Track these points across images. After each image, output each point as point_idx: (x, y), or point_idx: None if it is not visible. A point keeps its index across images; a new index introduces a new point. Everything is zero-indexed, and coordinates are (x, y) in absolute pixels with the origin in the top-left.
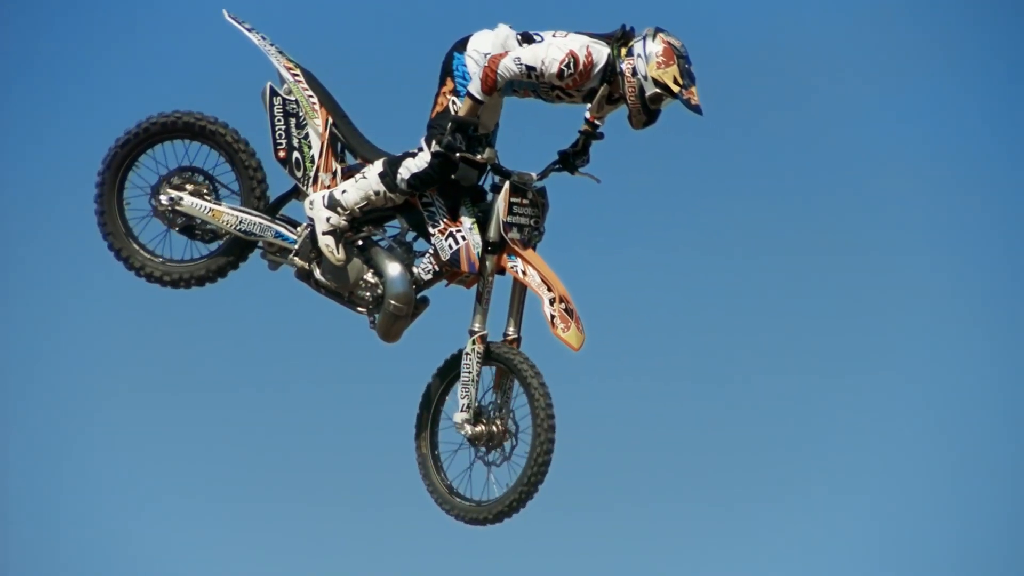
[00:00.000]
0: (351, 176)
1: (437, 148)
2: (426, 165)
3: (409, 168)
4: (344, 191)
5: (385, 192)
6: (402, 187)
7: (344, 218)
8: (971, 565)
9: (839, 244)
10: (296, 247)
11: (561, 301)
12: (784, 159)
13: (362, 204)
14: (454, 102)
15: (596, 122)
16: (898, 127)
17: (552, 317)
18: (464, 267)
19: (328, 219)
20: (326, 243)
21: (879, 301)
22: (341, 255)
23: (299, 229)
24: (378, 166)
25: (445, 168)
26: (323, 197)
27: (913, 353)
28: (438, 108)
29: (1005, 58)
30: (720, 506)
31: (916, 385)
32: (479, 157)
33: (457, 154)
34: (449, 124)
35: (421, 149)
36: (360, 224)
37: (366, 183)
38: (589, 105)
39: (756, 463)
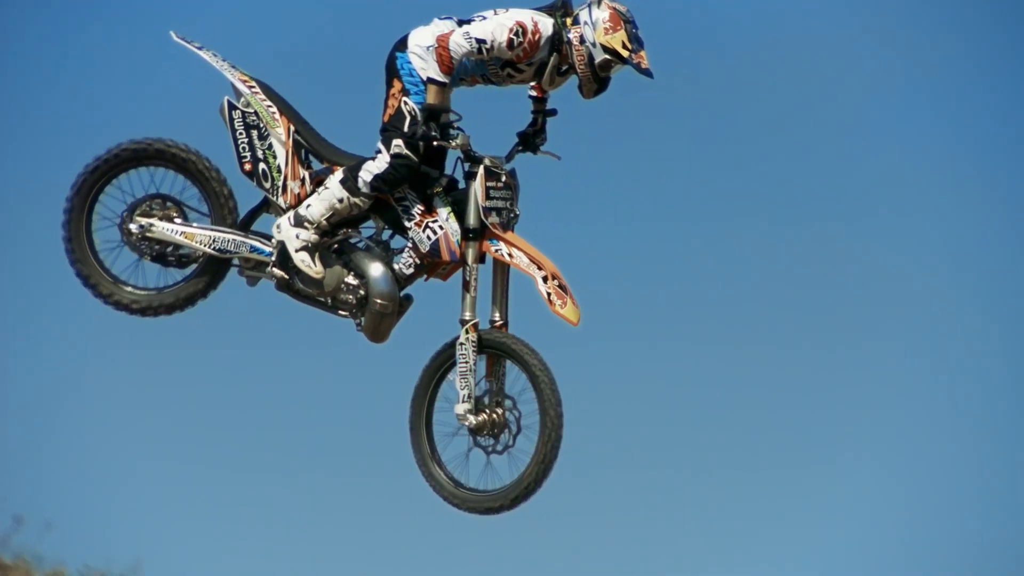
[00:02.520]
0: (320, 181)
1: (398, 150)
2: (387, 166)
3: (370, 170)
4: (308, 205)
5: (348, 198)
6: (365, 190)
7: (313, 231)
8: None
9: (819, 217)
10: (273, 259)
11: (553, 278)
12: (767, 137)
13: (328, 215)
14: (405, 102)
15: (543, 97)
16: (882, 104)
17: (548, 295)
18: (445, 256)
19: (298, 236)
20: (301, 259)
21: (867, 279)
22: (319, 268)
23: (273, 241)
24: (338, 174)
25: (407, 168)
26: (288, 218)
27: (897, 324)
28: (390, 111)
29: (1002, 56)
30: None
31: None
32: (453, 143)
33: (434, 143)
34: (421, 114)
35: (379, 152)
36: (333, 230)
37: (329, 193)
38: (533, 84)
39: (737, 433)
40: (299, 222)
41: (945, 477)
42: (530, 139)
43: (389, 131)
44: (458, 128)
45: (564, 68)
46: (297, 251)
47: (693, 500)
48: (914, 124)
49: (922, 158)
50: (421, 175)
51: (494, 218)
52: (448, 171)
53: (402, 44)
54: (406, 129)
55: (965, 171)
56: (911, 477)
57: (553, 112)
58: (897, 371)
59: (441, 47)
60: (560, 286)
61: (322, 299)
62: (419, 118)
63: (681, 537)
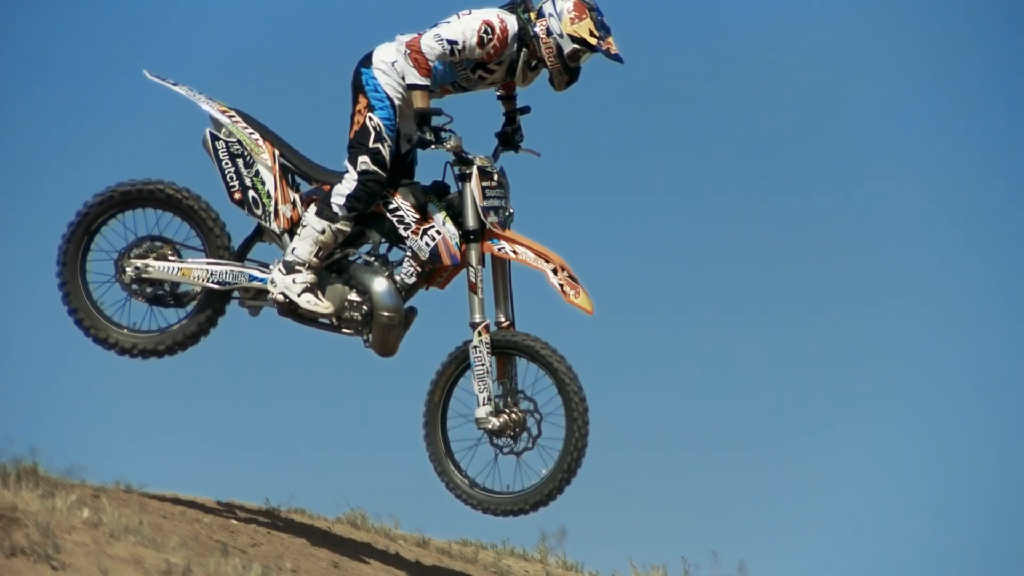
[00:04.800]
0: (311, 202)
1: (364, 166)
2: (356, 184)
3: (342, 193)
4: (293, 249)
5: (329, 227)
6: (342, 214)
7: (307, 272)
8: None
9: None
10: (278, 310)
11: (563, 269)
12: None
13: (315, 251)
14: (370, 118)
15: (512, 96)
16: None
17: (561, 286)
18: (446, 260)
19: (295, 281)
20: (307, 301)
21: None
22: (327, 303)
23: (272, 267)
24: (312, 207)
25: (376, 183)
26: (279, 269)
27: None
28: (355, 127)
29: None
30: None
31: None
32: (447, 146)
33: (431, 146)
34: (415, 118)
35: (347, 171)
36: (327, 259)
37: (309, 230)
38: (499, 89)
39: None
40: (290, 268)
41: (955, 446)
42: (510, 138)
43: (355, 147)
44: (450, 130)
45: (534, 63)
46: (300, 295)
47: (699, 478)
48: (905, 99)
49: (911, 126)
50: (410, 184)
51: (493, 217)
52: (426, 177)
53: (367, 60)
54: (371, 144)
55: (961, 135)
56: (918, 450)
57: (526, 109)
58: (902, 345)
59: (415, 52)
60: (570, 277)
61: (326, 320)
62: (383, 133)
63: (698, 514)
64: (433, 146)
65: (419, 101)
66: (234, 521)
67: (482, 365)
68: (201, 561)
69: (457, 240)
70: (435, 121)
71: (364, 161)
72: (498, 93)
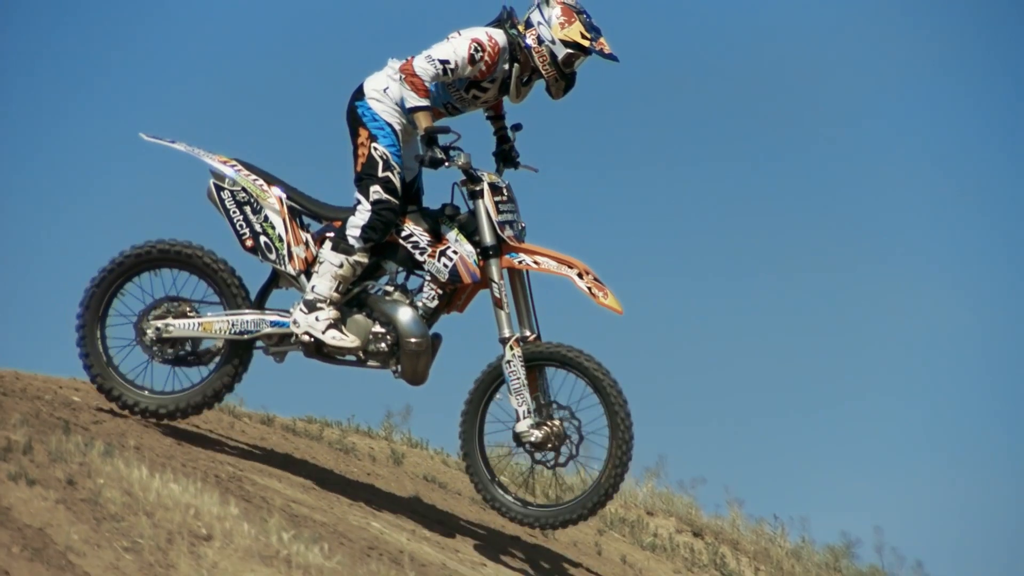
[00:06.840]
0: (323, 240)
1: (377, 196)
2: (370, 214)
3: (356, 224)
4: (313, 287)
5: (347, 260)
6: (359, 246)
7: (329, 308)
8: None
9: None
10: (302, 351)
11: (587, 273)
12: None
13: (335, 286)
14: (375, 147)
15: (501, 115)
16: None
17: (589, 289)
18: (466, 279)
19: (318, 319)
20: (332, 337)
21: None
22: (352, 338)
23: (292, 309)
24: (328, 243)
25: (390, 211)
26: (300, 310)
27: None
28: (361, 159)
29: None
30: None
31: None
32: (458, 163)
33: (445, 164)
34: (422, 140)
35: (358, 203)
36: (347, 292)
37: (327, 266)
38: (488, 110)
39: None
40: (312, 307)
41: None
42: (508, 155)
43: (364, 179)
44: (458, 148)
45: (526, 78)
46: (325, 332)
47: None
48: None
49: (909, 96)
50: (418, 210)
51: (508, 231)
52: (431, 202)
53: (359, 93)
54: (380, 174)
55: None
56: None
57: (518, 127)
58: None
59: (409, 75)
60: (595, 279)
61: (353, 356)
62: (391, 161)
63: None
64: (445, 164)
65: (424, 121)
66: (76, 399)
67: (517, 379)
68: (42, 438)
69: (475, 258)
70: (442, 140)
71: (376, 191)
72: (487, 113)
